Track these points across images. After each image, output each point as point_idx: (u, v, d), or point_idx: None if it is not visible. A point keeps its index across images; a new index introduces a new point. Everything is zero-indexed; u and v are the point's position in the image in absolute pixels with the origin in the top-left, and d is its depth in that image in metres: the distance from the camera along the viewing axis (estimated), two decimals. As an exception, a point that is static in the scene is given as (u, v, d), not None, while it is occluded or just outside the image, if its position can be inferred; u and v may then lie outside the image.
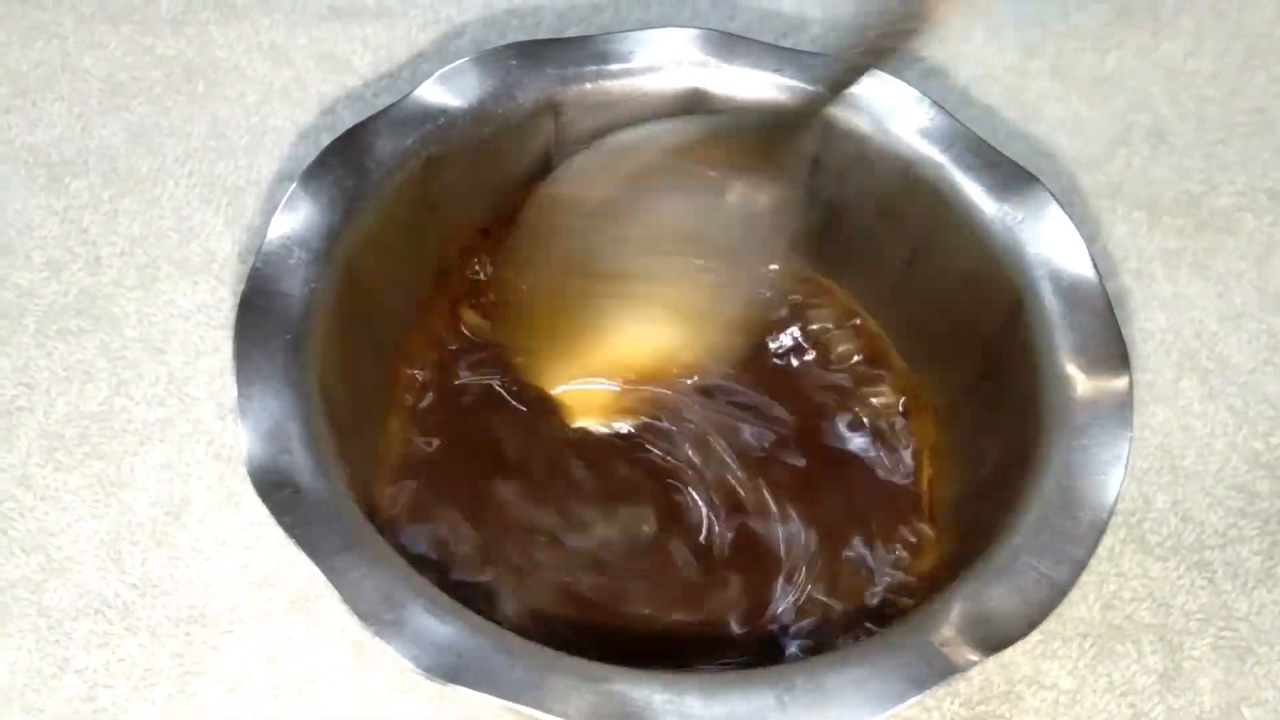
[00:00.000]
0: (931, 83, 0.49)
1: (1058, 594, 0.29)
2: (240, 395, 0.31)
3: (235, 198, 0.45)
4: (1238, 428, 0.41)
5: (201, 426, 0.40)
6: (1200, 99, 0.49)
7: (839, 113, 0.36)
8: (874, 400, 0.39)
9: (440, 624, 0.28)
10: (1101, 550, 0.38)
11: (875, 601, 0.36)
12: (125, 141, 0.46)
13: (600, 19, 0.50)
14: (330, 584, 0.28)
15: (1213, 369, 0.43)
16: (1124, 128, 0.48)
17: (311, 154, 0.45)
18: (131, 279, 0.43)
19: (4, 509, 0.38)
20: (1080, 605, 0.38)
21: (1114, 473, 0.31)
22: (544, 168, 0.38)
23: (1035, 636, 0.37)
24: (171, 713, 0.36)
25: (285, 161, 0.46)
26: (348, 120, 0.46)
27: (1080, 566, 0.29)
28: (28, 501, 0.38)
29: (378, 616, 0.28)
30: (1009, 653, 0.36)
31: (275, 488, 0.29)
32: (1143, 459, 0.41)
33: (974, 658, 0.28)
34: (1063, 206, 0.35)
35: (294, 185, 0.34)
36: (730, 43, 0.37)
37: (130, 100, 0.47)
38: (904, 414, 0.39)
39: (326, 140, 0.45)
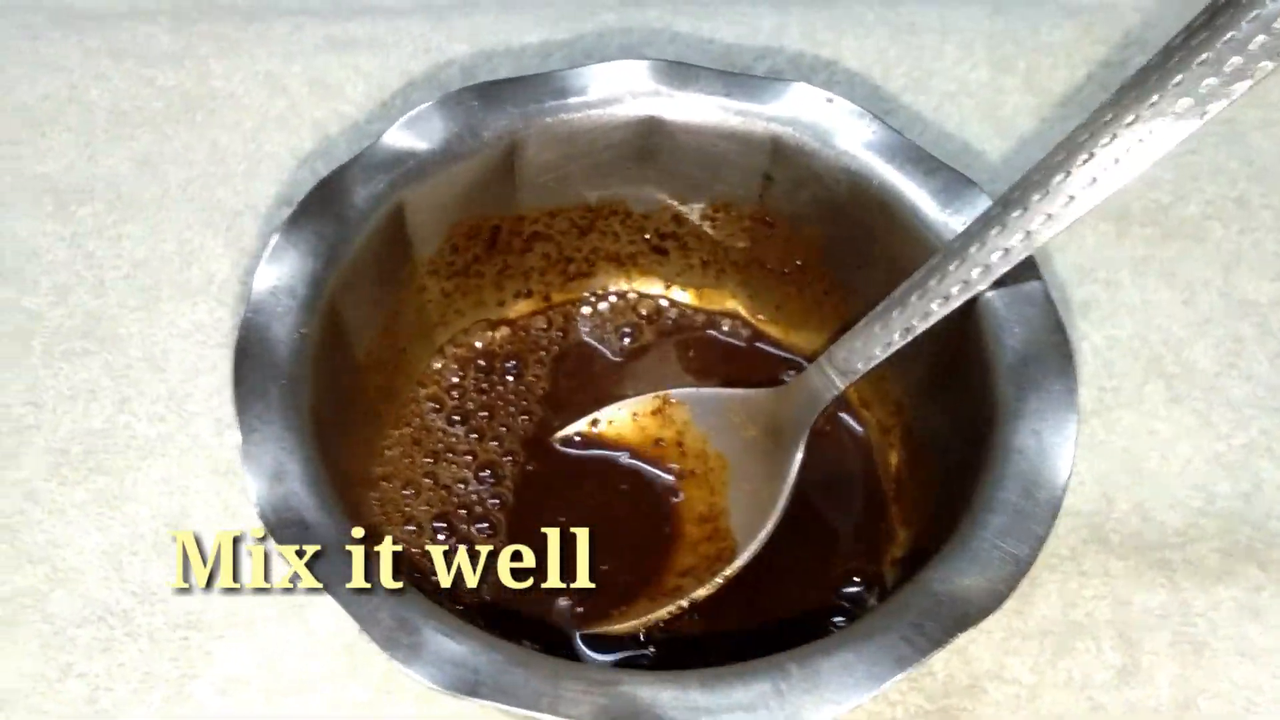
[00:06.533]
0: (906, 98, 0.50)
1: (1021, 569, 0.31)
2: (244, 442, 0.32)
3: (234, 221, 0.47)
4: (1200, 430, 0.42)
5: (200, 441, 0.42)
6: (1171, 111, 0.51)
7: (787, 130, 0.38)
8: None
9: (455, 643, 0.30)
10: (1064, 549, 0.40)
11: (852, 590, 0.38)
12: (130, 169, 0.48)
13: (583, 44, 0.52)
14: (350, 615, 0.30)
15: (1178, 374, 0.44)
16: (1096, 140, 0.49)
17: (307, 178, 0.47)
18: (134, 301, 0.45)
19: (12, 522, 0.40)
20: (1042, 603, 0.39)
21: (1065, 454, 0.32)
22: (510, 203, 0.40)
23: (998, 633, 0.38)
24: (169, 714, 0.37)
25: (282, 185, 0.48)
26: (341, 145, 0.48)
27: (1040, 541, 0.31)
28: (35, 515, 0.40)
29: (397, 642, 0.29)
30: (971, 648, 0.38)
31: (284, 526, 0.31)
32: (1106, 461, 0.42)
33: (949, 635, 0.30)
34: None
35: (276, 236, 0.35)
36: (681, 71, 0.39)
37: (134, 130, 0.49)
38: (866, 408, 0.41)
39: (321, 165, 0.48)
